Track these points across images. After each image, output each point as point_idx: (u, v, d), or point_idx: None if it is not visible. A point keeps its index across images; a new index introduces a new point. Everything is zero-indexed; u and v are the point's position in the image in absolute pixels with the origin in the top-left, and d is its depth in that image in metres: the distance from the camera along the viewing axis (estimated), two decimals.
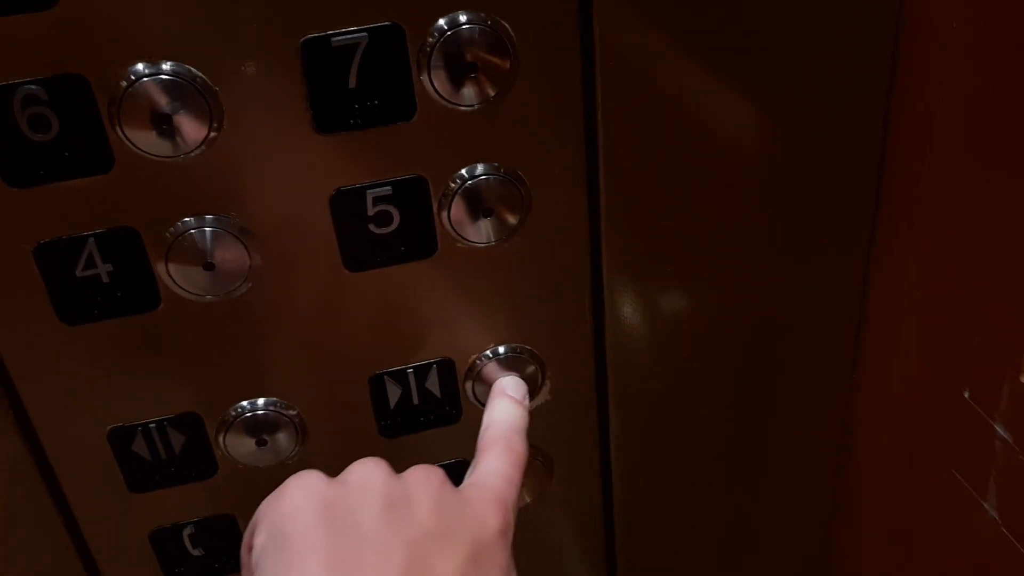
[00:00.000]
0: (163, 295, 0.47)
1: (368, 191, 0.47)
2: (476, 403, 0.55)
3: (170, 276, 0.47)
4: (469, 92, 0.46)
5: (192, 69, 0.43)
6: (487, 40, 0.45)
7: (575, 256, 0.52)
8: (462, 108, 0.46)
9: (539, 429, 0.54)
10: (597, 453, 0.59)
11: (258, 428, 0.52)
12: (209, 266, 0.47)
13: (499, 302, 0.52)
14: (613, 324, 0.54)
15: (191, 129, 0.44)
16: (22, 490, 0.51)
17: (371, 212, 0.48)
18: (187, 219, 0.46)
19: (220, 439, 0.52)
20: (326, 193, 0.47)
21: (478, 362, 0.54)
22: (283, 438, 0.53)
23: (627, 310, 0.54)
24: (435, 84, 0.45)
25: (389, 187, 0.47)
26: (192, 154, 0.44)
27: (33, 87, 0.42)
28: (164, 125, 0.43)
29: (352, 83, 0.44)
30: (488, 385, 0.54)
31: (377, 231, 0.48)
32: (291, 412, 0.53)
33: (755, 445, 0.61)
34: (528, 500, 0.60)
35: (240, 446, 0.53)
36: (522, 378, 0.54)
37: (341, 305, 0.50)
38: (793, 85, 0.48)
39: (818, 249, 0.54)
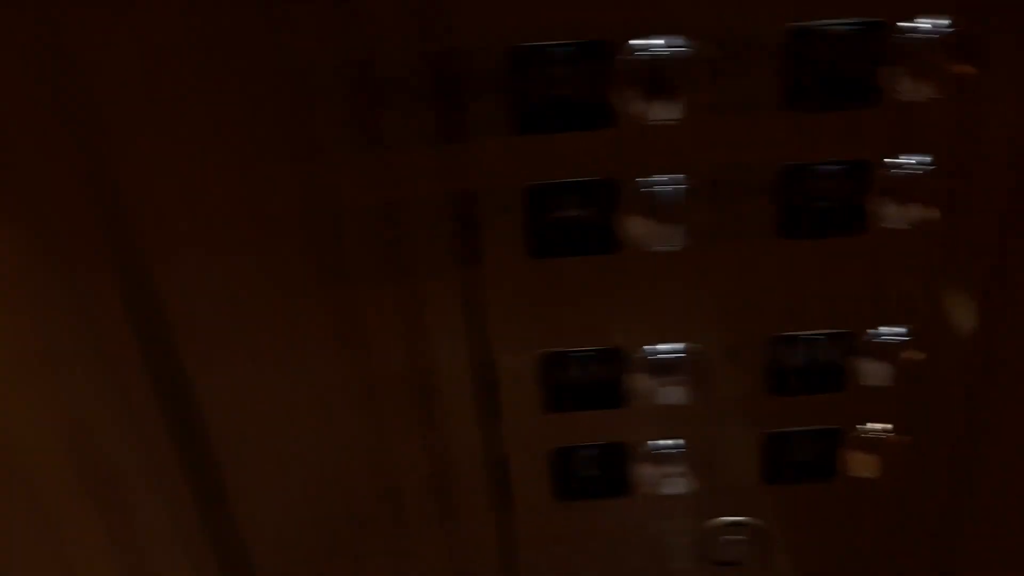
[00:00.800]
0: (621, 241, 0.54)
1: (816, 167, 0.52)
2: (865, 375, 0.59)
3: (631, 225, 0.53)
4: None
5: (689, 45, 0.49)
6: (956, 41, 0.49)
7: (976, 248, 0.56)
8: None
9: (907, 405, 0.58)
10: (956, 440, 0.63)
11: (664, 370, 0.58)
12: (665, 220, 0.53)
13: (903, 282, 0.57)
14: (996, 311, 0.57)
15: (682, 97, 0.50)
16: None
17: (813, 187, 0.53)
18: (657, 176, 0.52)
19: (631, 376, 0.59)
20: (776, 165, 0.52)
21: (866, 335, 0.58)
22: (682, 382, 0.59)
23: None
24: (903, 77, 0.50)
25: (840, 166, 0.52)
26: (672, 120, 0.50)
27: (561, 49, 0.49)
28: (659, 92, 0.49)
29: (828, 70, 0.50)
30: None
31: (814, 205, 0.53)
32: (696, 359, 0.58)
33: None
34: (877, 474, 0.64)
35: (646, 383, 0.59)
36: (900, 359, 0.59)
37: (766, 267, 0.56)
38: None
39: None
